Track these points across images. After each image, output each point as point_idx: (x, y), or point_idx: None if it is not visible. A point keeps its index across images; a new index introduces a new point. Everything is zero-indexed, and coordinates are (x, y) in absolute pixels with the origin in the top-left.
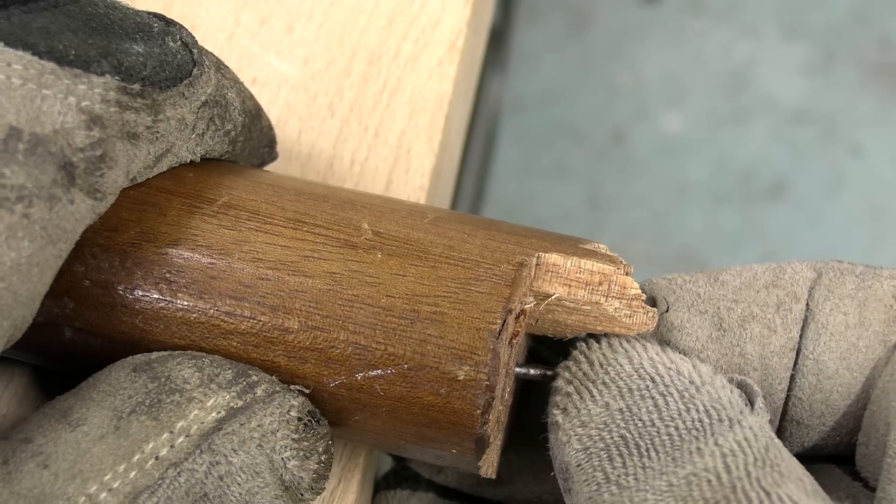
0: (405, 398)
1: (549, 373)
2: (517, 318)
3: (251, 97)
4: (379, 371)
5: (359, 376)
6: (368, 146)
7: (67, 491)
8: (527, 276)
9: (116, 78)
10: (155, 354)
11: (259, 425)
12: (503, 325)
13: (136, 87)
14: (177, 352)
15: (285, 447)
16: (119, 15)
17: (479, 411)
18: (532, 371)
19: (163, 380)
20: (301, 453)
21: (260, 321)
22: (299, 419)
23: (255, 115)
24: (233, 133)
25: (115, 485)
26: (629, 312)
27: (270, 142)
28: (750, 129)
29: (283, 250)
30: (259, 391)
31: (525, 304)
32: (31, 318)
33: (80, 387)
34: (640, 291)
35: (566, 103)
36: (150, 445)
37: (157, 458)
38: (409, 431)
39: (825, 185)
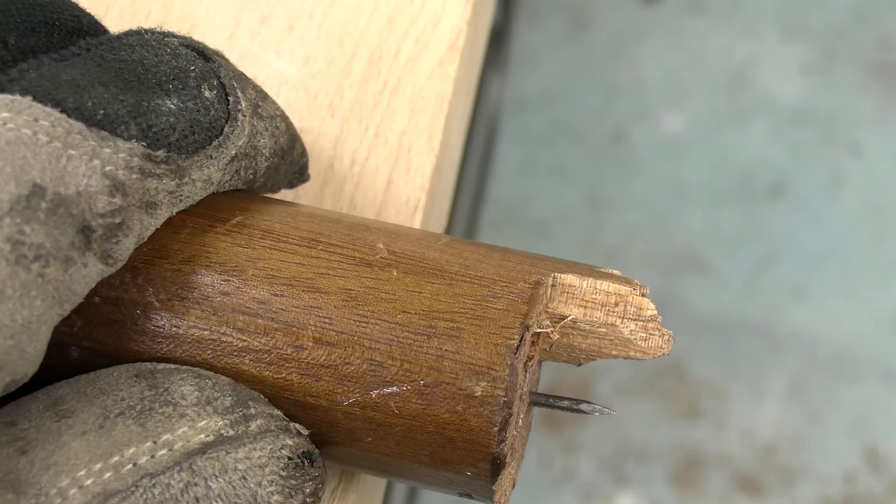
0: (420, 416)
1: (561, 402)
2: (532, 342)
3: (286, 131)
4: (394, 388)
5: (373, 394)
6: (369, 146)
7: (40, 481)
8: (543, 294)
9: (142, 144)
10: (161, 365)
11: (246, 457)
12: (520, 340)
13: (161, 153)
14: (184, 367)
15: (271, 482)
16: (154, 60)
17: (496, 428)
18: (571, 405)
19: (161, 390)
20: (286, 490)
21: (273, 337)
22: (289, 458)
23: (286, 151)
24: (252, 178)
25: (87, 482)
26: (645, 335)
27: (301, 168)
28: (750, 129)
29: (298, 267)
30: (253, 426)
31: (541, 327)
32: (31, 376)
33: (79, 378)
34: (656, 313)
35: (566, 103)
36: (131, 451)
37: (134, 464)
38: (422, 452)
39: (825, 185)
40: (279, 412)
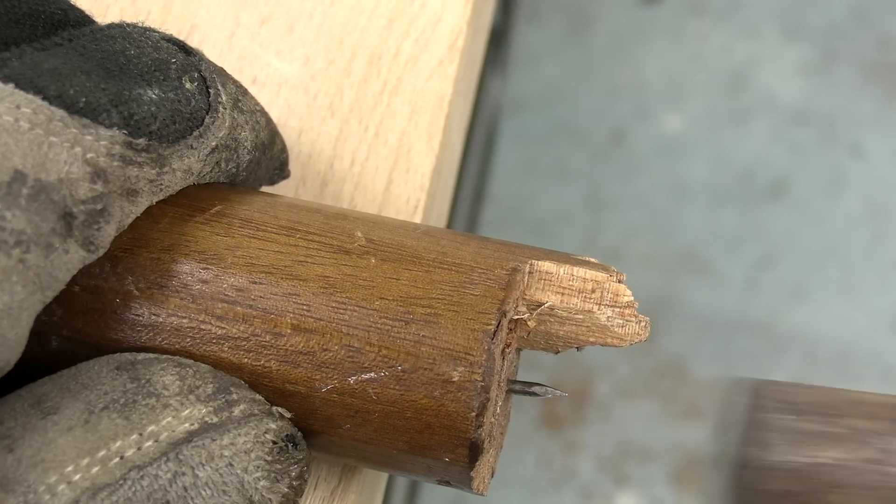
0: (398, 402)
1: (514, 385)
2: (510, 329)
3: (266, 126)
4: (372, 374)
5: (352, 380)
6: (369, 146)
7: (28, 478)
8: (520, 280)
9: (124, 131)
10: (142, 355)
11: (231, 443)
12: (497, 326)
13: (142, 141)
14: (164, 356)
15: (257, 468)
16: (136, 51)
17: (473, 414)
18: (523, 388)
19: (143, 381)
20: (272, 475)
21: (252, 324)
22: (274, 442)
23: (267, 146)
24: (234, 171)
25: (76, 478)
26: (622, 322)
27: (281, 164)
28: (750, 129)
29: (277, 255)
30: (236, 411)
31: (518, 314)
32: (14, 363)
33: (61, 374)
34: (632, 299)
35: (566, 103)
36: (117, 444)
37: (121, 457)
38: (401, 439)
39: (825, 185)
40: (261, 397)
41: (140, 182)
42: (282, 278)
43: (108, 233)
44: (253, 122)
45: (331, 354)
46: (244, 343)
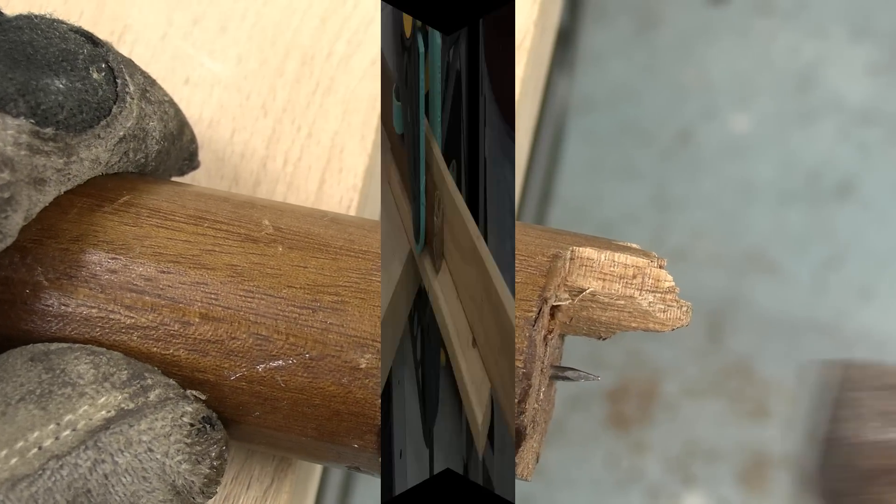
0: (307, 389)
1: (573, 372)
2: (551, 316)
3: (175, 116)
4: (280, 362)
5: (260, 368)
6: (301, 146)
7: None
8: (561, 267)
9: (31, 121)
10: (55, 346)
11: (150, 428)
12: (539, 313)
13: (49, 131)
14: (77, 345)
15: (178, 451)
16: (43, 42)
17: (380, 400)
18: (556, 372)
19: (57, 371)
20: (193, 457)
21: (160, 314)
22: (192, 424)
23: (175, 136)
24: (143, 161)
25: None
26: (663, 307)
27: (191, 155)
28: (817, 129)
29: (185, 244)
30: (152, 396)
31: (560, 300)
32: None
33: None
34: (673, 284)
35: (633, 103)
36: (35, 435)
37: (40, 447)
38: (309, 426)
39: (893, 185)
40: (174, 381)
41: (47, 171)
42: (189, 267)
43: (15, 221)
44: (161, 113)
45: (239, 343)
46: (153, 332)
